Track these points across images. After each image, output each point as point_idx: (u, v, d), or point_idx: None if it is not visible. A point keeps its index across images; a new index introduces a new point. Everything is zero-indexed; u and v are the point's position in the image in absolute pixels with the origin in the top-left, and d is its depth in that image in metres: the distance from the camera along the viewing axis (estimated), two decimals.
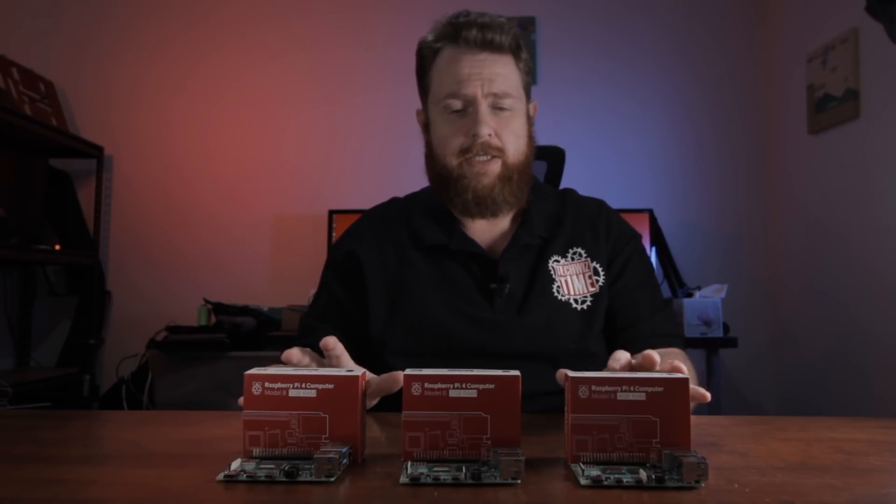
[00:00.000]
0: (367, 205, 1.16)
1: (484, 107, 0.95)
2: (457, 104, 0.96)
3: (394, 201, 1.13)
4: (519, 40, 0.99)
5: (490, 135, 0.95)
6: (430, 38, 1.00)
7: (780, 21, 2.77)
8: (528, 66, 1.02)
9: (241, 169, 2.92)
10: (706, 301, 2.24)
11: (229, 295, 2.69)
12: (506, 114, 0.96)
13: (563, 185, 1.27)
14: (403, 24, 2.89)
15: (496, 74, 0.95)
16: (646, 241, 2.49)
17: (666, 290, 2.51)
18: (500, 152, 0.96)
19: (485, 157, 0.96)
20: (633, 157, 2.87)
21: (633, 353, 0.99)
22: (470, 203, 0.98)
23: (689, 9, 2.90)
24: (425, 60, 1.01)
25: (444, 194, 1.01)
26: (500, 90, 0.95)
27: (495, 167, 0.96)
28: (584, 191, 1.14)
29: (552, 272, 1.00)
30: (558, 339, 0.97)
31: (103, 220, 2.84)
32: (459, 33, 0.96)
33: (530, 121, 1.03)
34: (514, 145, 0.97)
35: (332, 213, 2.67)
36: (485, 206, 0.98)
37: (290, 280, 2.81)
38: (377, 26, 2.94)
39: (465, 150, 0.96)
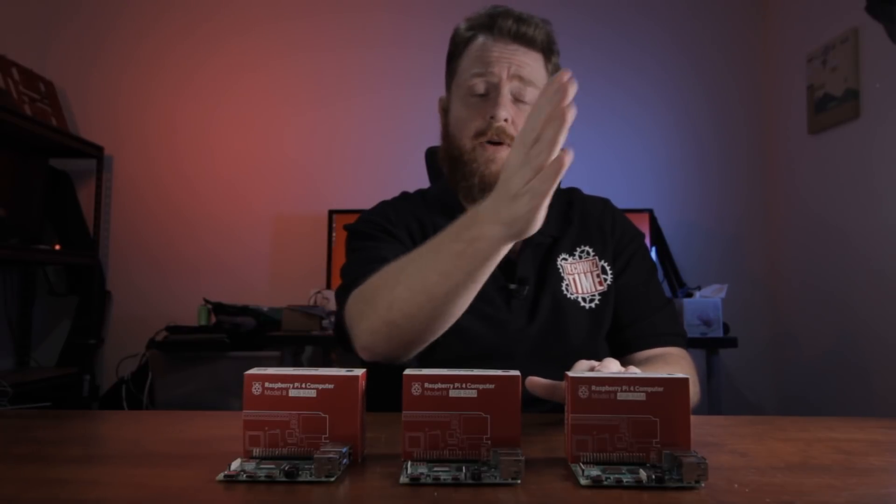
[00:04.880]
0: (366, 205, 1.15)
1: (506, 91, 0.95)
2: (480, 86, 0.96)
3: (406, 195, 1.11)
4: (553, 42, 1.00)
5: (507, 120, 0.94)
6: (465, 25, 1.01)
7: (780, 21, 2.77)
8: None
9: (241, 169, 2.92)
10: (706, 301, 2.24)
11: (229, 295, 2.69)
12: (526, 106, 0.96)
13: (563, 185, 1.27)
14: (403, 24, 2.89)
15: (525, 63, 0.96)
16: (646, 241, 2.49)
17: (666, 290, 2.51)
18: (513, 141, 0.96)
19: (497, 143, 0.95)
20: (633, 157, 2.87)
21: (633, 351, 0.99)
22: (475, 188, 0.96)
23: (690, 9, 2.90)
24: (457, 46, 1.02)
25: (453, 177, 1.00)
26: (527, 76, 0.95)
27: (505, 155, 0.96)
28: (584, 191, 1.14)
29: (561, 270, 1.00)
30: (567, 339, 0.96)
31: (103, 220, 2.84)
32: (495, 22, 0.97)
33: None
34: None
35: (332, 213, 2.67)
36: (489, 193, 0.97)
37: (290, 280, 2.81)
38: (377, 26, 2.94)
39: (480, 133, 0.95)
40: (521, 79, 0.95)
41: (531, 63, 0.96)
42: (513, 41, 0.96)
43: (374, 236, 1.00)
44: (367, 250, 0.98)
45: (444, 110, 1.04)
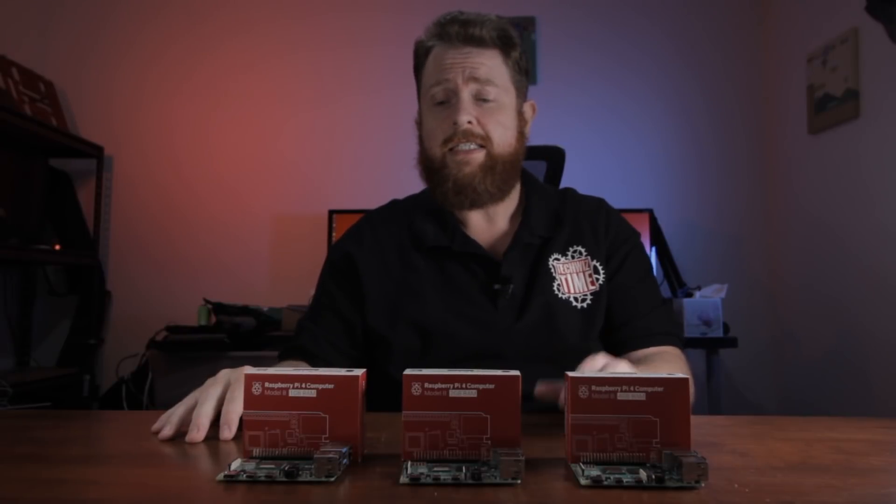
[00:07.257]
0: (367, 205, 1.16)
1: (465, 94, 0.96)
2: (440, 94, 0.97)
3: (394, 203, 1.13)
4: (508, 37, 0.99)
5: (471, 122, 0.95)
6: (423, 38, 1.03)
7: (780, 21, 2.77)
8: (519, 65, 1.02)
9: (240, 169, 2.92)
10: (706, 301, 2.24)
11: (229, 295, 2.69)
12: (490, 104, 0.97)
13: (563, 185, 1.27)
14: (403, 24, 2.89)
15: (479, 64, 0.97)
16: (646, 241, 2.49)
17: (666, 290, 2.51)
18: (484, 140, 0.96)
19: (468, 146, 0.96)
20: (633, 157, 2.87)
21: (628, 351, 0.99)
22: (450, 192, 0.98)
23: (689, 9, 2.90)
24: (419, 59, 1.04)
25: (431, 185, 1.02)
26: (483, 76, 0.96)
27: (478, 156, 0.96)
28: (584, 191, 1.13)
29: (552, 270, 1.00)
30: (559, 338, 0.96)
31: (103, 220, 2.84)
32: (444, 30, 0.99)
33: (522, 118, 1.03)
34: (500, 136, 0.97)
35: (332, 213, 2.67)
36: (464, 196, 0.97)
37: (290, 280, 2.81)
38: (377, 26, 2.94)
39: (447, 140, 0.97)
40: (476, 80, 0.96)
41: (486, 62, 0.97)
42: (464, 45, 0.97)
43: (324, 284, 1.06)
44: (315, 299, 1.06)
45: (418, 123, 1.06)
